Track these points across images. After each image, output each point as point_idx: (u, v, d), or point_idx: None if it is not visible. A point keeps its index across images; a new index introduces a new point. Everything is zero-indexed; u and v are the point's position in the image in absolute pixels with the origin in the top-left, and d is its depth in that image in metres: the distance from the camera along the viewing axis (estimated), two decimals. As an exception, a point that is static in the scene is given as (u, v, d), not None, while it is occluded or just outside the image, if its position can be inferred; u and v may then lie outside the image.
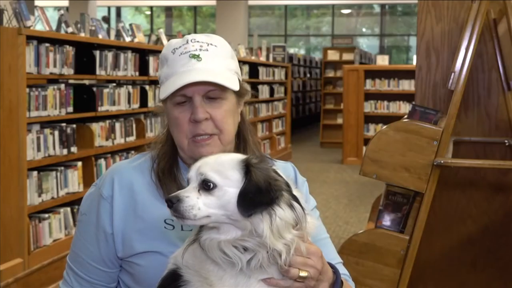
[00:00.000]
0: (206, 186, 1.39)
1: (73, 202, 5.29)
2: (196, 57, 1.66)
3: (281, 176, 1.44)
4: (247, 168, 1.40)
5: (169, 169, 1.72)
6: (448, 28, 3.73)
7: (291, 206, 1.40)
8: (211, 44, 1.69)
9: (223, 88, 1.65)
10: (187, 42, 1.69)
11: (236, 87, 1.66)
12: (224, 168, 1.40)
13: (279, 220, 1.37)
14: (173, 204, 1.38)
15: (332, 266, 1.58)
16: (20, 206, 4.62)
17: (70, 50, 5.32)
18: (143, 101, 6.54)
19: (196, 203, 1.38)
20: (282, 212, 1.37)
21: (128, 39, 6.81)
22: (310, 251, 1.45)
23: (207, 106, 1.66)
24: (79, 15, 6.25)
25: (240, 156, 1.45)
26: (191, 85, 1.63)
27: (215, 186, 1.39)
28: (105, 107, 5.84)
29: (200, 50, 1.67)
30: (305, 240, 1.45)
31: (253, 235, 1.37)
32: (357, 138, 11.93)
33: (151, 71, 6.69)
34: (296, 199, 1.43)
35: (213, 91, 1.66)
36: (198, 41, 1.69)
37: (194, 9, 24.20)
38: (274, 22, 24.21)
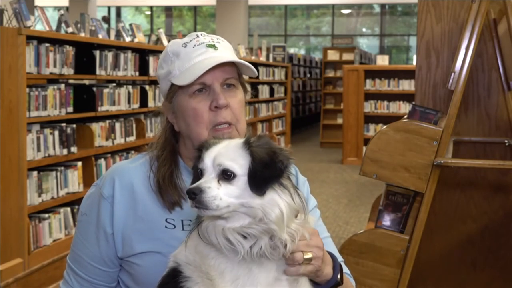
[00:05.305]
0: (226, 176, 1.39)
1: (73, 202, 5.29)
2: (212, 46, 1.70)
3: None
4: (249, 150, 1.41)
5: (170, 177, 1.71)
6: (448, 28, 3.73)
7: (296, 193, 1.43)
8: (219, 39, 1.74)
9: (236, 78, 1.70)
10: (198, 36, 1.73)
11: (254, 73, 1.71)
12: (236, 155, 1.41)
13: (287, 205, 1.39)
14: (196, 195, 1.38)
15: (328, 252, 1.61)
16: (20, 206, 4.62)
17: (70, 50, 5.32)
18: (143, 101, 6.54)
19: (218, 193, 1.38)
20: (290, 198, 1.40)
21: (128, 39, 6.81)
22: (309, 233, 1.48)
23: (224, 94, 1.69)
24: (79, 15, 6.24)
25: (242, 141, 1.46)
26: (210, 73, 1.65)
27: (234, 175, 1.39)
28: (105, 107, 5.84)
29: (214, 42, 1.72)
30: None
31: (261, 222, 1.38)
32: (357, 138, 11.92)
33: (151, 71, 6.69)
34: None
35: (229, 79, 1.69)
36: (207, 35, 1.74)
37: (194, 9, 24.19)
38: (274, 22, 24.21)
